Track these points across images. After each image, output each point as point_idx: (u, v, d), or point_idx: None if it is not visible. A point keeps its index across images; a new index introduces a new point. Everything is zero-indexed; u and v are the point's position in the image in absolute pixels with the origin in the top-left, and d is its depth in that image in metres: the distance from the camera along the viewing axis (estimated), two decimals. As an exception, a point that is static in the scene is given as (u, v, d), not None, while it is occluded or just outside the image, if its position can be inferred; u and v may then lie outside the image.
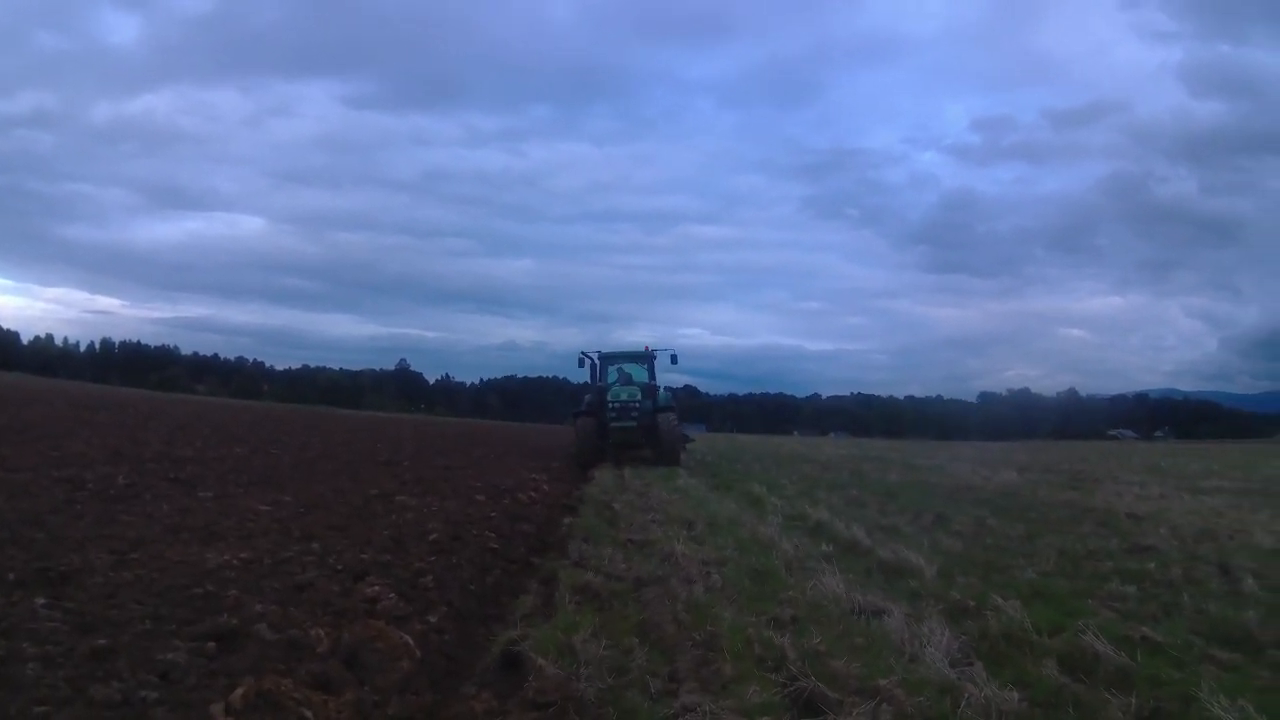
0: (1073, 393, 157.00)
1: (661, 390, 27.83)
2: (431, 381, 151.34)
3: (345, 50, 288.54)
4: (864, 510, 14.78)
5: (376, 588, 6.83)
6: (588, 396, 28.11)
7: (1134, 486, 20.92)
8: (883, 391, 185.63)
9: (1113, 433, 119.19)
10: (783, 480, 21.47)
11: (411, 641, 5.63)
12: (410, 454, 22.58)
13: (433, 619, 6.44)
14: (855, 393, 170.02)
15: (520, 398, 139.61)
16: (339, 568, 7.44)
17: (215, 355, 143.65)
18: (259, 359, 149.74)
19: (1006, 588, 8.09)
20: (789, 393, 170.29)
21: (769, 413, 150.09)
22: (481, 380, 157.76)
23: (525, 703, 4.92)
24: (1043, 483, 22.37)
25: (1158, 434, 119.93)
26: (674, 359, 28.94)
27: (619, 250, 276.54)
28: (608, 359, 28.65)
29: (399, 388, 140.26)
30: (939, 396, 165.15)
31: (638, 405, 25.87)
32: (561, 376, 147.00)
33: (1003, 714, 4.80)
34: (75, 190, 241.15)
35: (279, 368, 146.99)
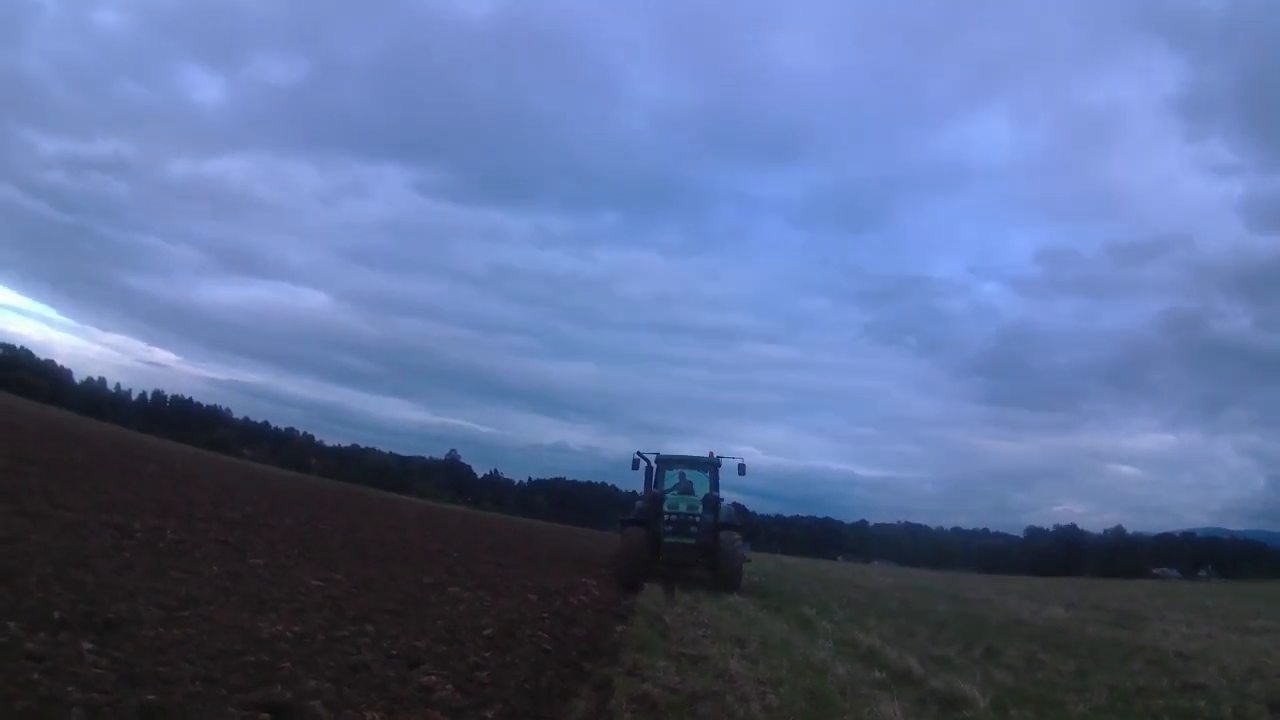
0: (1119, 530, 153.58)
1: (724, 503, 24.04)
2: (480, 475, 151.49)
3: (423, 138, 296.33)
4: (914, 639, 14.69)
5: (433, 677, 6.81)
6: (639, 503, 24.51)
7: (1181, 625, 20.67)
8: (930, 521, 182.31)
9: (1157, 571, 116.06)
10: (832, 605, 21.19)
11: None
12: (460, 546, 22.48)
13: (488, 715, 6.37)
14: (903, 521, 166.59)
15: (568, 500, 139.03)
16: (394, 653, 7.41)
17: (266, 423, 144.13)
18: (309, 432, 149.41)
19: None
20: (836, 517, 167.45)
21: (814, 536, 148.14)
22: (530, 479, 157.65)
23: None
24: (1090, 619, 22.06)
25: (1201, 573, 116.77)
26: (741, 469, 24.73)
27: (679, 363, 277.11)
28: (666, 463, 25.28)
29: (447, 477, 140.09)
30: (985, 529, 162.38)
31: (697, 519, 22.43)
32: (610, 483, 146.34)
33: None
34: (144, 241, 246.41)
35: (329, 443, 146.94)
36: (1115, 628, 19.85)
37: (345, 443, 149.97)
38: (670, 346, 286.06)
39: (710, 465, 24.99)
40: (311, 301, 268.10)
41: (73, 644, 5.36)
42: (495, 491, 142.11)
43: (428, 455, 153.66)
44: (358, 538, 18.33)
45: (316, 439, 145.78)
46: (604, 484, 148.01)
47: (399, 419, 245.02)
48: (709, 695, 8.25)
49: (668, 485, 24.85)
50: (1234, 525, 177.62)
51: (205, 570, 9.39)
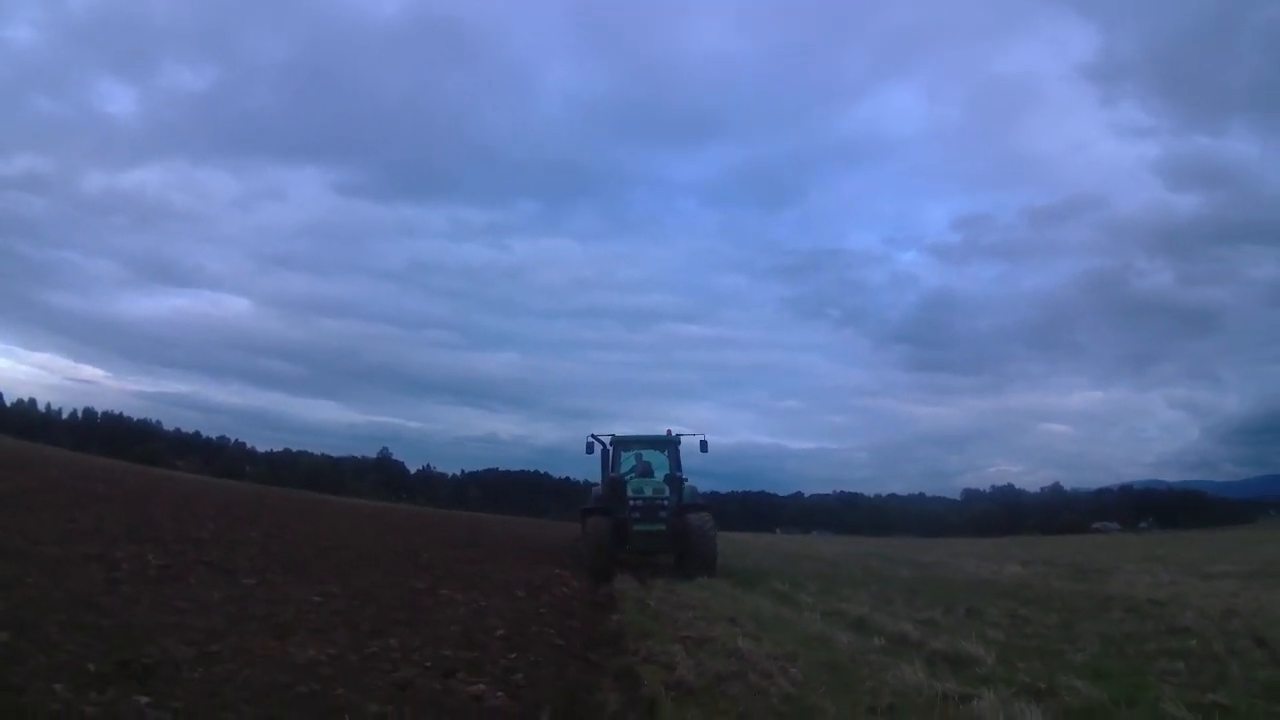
0: (1057, 487, 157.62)
1: (686, 484, 22.52)
2: (413, 471, 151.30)
3: (338, 138, 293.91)
4: (893, 606, 14.86)
5: (481, 686, 6.82)
6: (597, 489, 23.63)
7: (1143, 575, 21.32)
8: (865, 489, 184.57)
9: (1097, 525, 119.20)
10: (800, 578, 21.31)
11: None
12: (424, 546, 22.26)
13: (544, 718, 6.43)
14: (838, 491, 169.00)
15: (501, 490, 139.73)
16: (427, 664, 7.39)
17: (197, 433, 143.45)
18: (240, 439, 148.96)
19: (1066, 670, 8.62)
20: (771, 491, 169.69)
21: (751, 510, 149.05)
22: (463, 472, 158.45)
23: None
24: (1051, 575, 22.60)
25: (1142, 525, 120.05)
26: (704, 446, 23.01)
27: (600, 346, 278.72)
28: (622, 444, 23.55)
29: (380, 475, 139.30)
30: (922, 494, 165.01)
31: (665, 503, 20.64)
32: (543, 471, 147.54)
33: None
34: (63, 257, 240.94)
35: (260, 449, 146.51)
36: (1078, 581, 20.44)
37: (277, 447, 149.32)
38: (591, 331, 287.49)
39: (669, 444, 23.29)
40: (234, 308, 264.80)
41: (125, 699, 5.16)
42: (429, 487, 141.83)
43: (359, 454, 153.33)
44: (325, 546, 18.12)
45: (248, 445, 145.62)
46: (536, 472, 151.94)
47: (328, 420, 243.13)
48: (732, 675, 8.34)
49: (625, 468, 23.15)
50: (1170, 477, 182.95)
51: (206, 597, 9.24)
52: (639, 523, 20.33)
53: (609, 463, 23.11)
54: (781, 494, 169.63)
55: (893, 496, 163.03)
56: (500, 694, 6.65)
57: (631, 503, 20.53)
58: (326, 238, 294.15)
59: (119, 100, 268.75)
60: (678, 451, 23.07)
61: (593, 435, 23.21)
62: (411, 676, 6.79)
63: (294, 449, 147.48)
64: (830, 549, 44.95)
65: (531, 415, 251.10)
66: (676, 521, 20.52)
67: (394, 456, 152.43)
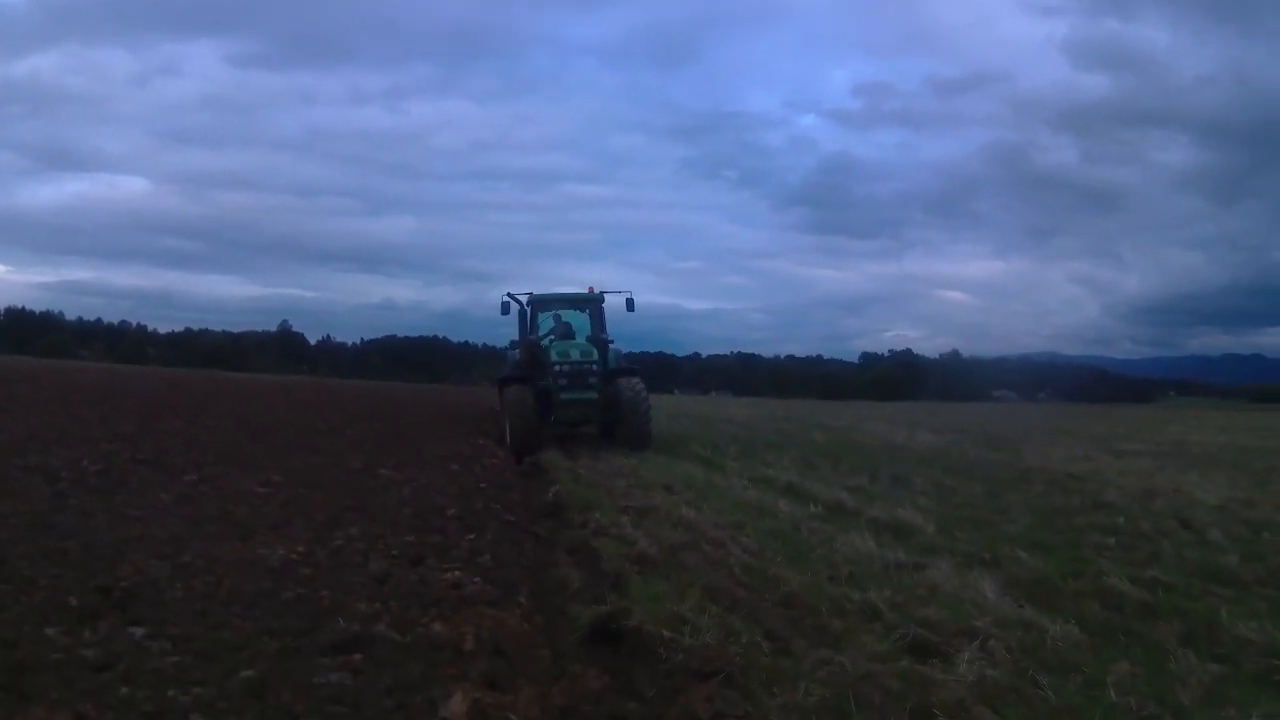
0: (955, 354, 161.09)
1: (614, 346, 20.81)
2: (313, 342, 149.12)
3: (232, 8, 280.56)
4: (819, 472, 15.25)
5: (456, 572, 6.82)
6: (513, 354, 21.39)
7: (1057, 448, 21.99)
8: (762, 350, 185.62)
9: (995, 394, 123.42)
10: (719, 443, 21.53)
11: (529, 627, 5.72)
12: (343, 422, 21.83)
13: (521, 600, 6.46)
14: (735, 352, 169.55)
15: (401, 358, 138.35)
16: (394, 553, 7.35)
17: (99, 320, 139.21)
18: (141, 322, 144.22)
19: (1004, 541, 8.91)
20: (668, 351, 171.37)
21: (648, 370, 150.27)
22: (362, 340, 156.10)
23: (691, 673, 4.95)
24: (964, 443, 23.24)
25: (1040, 396, 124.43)
26: (630, 304, 21.17)
27: (498, 208, 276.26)
28: (541, 304, 21.34)
29: (281, 349, 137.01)
30: (819, 356, 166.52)
31: (594, 368, 18.93)
32: (442, 335, 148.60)
33: (1074, 644, 5.62)
34: None
35: (162, 330, 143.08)
36: (993, 451, 21.10)
37: (178, 328, 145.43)
38: (488, 193, 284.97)
39: (592, 303, 21.20)
40: (132, 188, 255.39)
41: (121, 634, 4.90)
42: (329, 357, 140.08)
43: (260, 328, 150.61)
44: (250, 430, 17.89)
45: (149, 328, 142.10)
46: (435, 337, 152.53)
47: (228, 295, 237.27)
48: (685, 546, 8.46)
49: (543, 330, 21.24)
50: (1069, 350, 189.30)
51: (154, 500, 8.96)
52: (566, 390, 18.62)
53: (526, 325, 20.99)
54: (679, 354, 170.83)
55: (790, 358, 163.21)
56: (477, 580, 6.68)
57: (557, 368, 18.73)
58: (223, 110, 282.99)
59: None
60: (602, 311, 21.12)
61: (508, 295, 20.86)
62: (386, 568, 6.78)
63: (195, 328, 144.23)
64: (739, 412, 44.64)
65: (429, 280, 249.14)
66: (606, 388, 19.01)
67: (294, 328, 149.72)
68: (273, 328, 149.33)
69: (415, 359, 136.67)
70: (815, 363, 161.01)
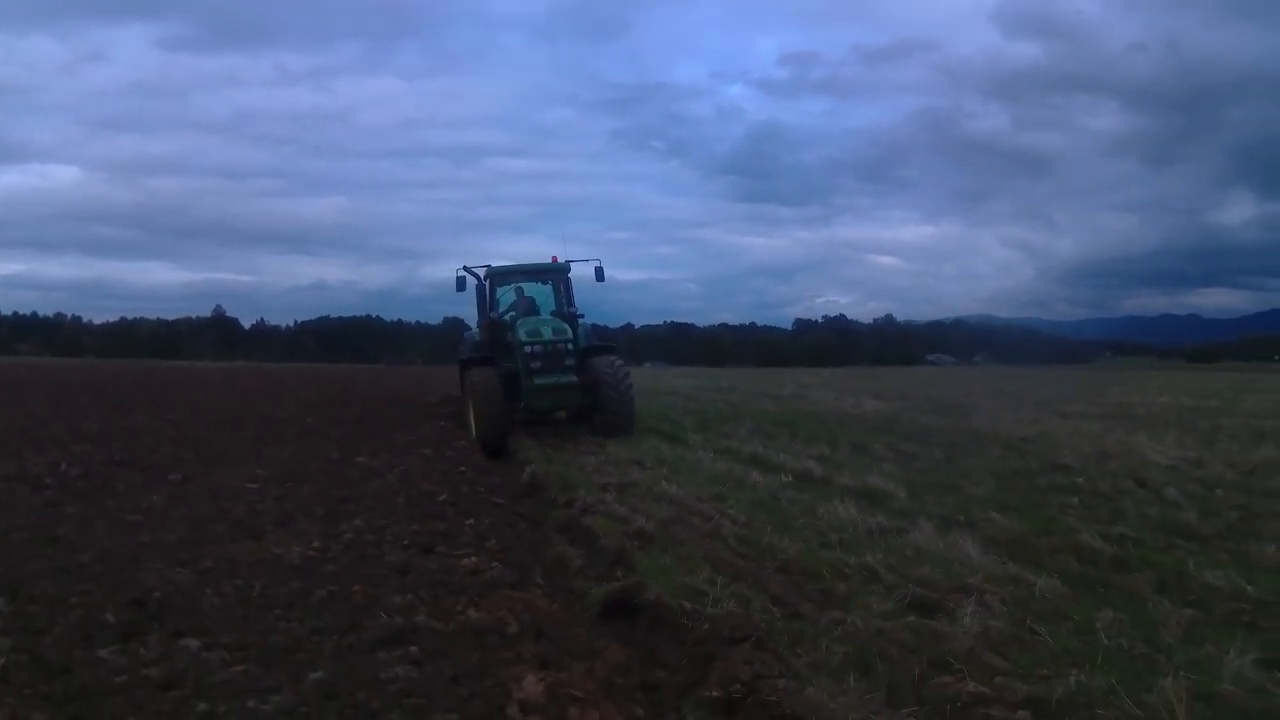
0: (889, 319, 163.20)
1: (583, 320, 18.88)
2: (247, 326, 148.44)
3: None
4: (779, 442, 15.43)
5: (472, 558, 6.97)
6: (471, 334, 20.19)
7: (1004, 412, 22.37)
8: (695, 320, 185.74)
9: (931, 358, 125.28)
10: (672, 414, 21.78)
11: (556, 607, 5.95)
12: (300, 410, 21.84)
13: (539, 582, 6.68)
14: (668, 321, 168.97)
15: (336, 339, 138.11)
16: (405, 543, 7.46)
17: (34, 313, 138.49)
18: (76, 314, 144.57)
19: (973, 505, 9.33)
20: (601, 323, 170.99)
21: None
22: (296, 322, 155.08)
23: (721, 639, 5.14)
24: (912, 409, 23.63)
25: (976, 358, 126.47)
26: (599, 274, 19.57)
27: (427, 185, 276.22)
28: (499, 276, 19.34)
29: (217, 335, 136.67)
30: (753, 324, 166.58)
31: (570, 346, 17.01)
32: (376, 315, 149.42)
33: (1059, 596, 6.08)
34: None
35: (97, 321, 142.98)
36: (941, 416, 21.49)
37: (113, 318, 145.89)
38: (417, 170, 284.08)
39: (557, 274, 19.33)
40: (62, 177, 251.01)
41: (175, 648, 4.87)
42: (264, 341, 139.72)
43: (194, 315, 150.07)
44: (212, 422, 17.78)
45: (84, 319, 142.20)
46: (368, 316, 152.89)
47: (162, 282, 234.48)
48: (674, 520, 8.77)
49: (502, 306, 19.26)
50: (1003, 313, 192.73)
51: (148, 502, 8.95)
52: (540, 374, 16.59)
53: (485, 301, 19.08)
54: (612, 326, 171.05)
55: (724, 326, 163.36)
56: (496, 565, 6.84)
57: (527, 349, 16.62)
58: (152, 95, 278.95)
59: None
60: (568, 282, 19.24)
61: (464, 268, 19.04)
62: (405, 559, 6.91)
63: (130, 317, 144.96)
64: (680, 383, 44.68)
65: (360, 258, 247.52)
66: (582, 370, 17.10)
67: (228, 313, 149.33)
68: (207, 313, 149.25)
69: (349, 340, 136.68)
70: (749, 330, 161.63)
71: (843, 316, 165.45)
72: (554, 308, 18.98)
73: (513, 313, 18.54)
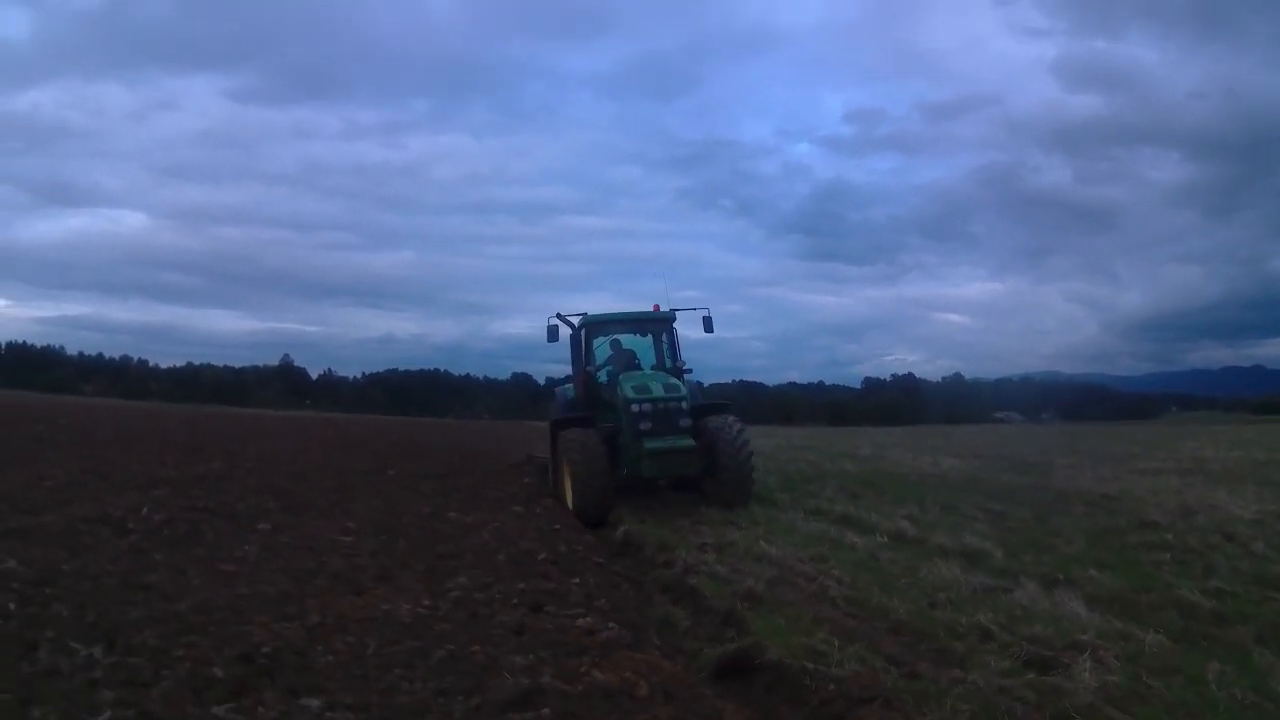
0: (958, 376, 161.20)
1: (690, 375, 16.87)
2: (314, 376, 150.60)
3: (229, 43, 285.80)
4: (866, 501, 15.30)
5: (587, 619, 6.92)
6: (563, 390, 17.86)
7: (1082, 470, 21.97)
8: (764, 379, 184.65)
9: (998, 415, 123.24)
10: (755, 475, 21.64)
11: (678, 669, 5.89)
12: (380, 461, 21.84)
13: (656, 642, 6.65)
14: (736, 380, 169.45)
15: (403, 391, 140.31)
16: (514, 601, 7.39)
17: (100, 354, 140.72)
18: (142, 357, 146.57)
19: (1069, 563, 9.40)
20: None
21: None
22: (363, 374, 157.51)
23: (850, 699, 5.21)
24: (992, 469, 23.21)
25: (1044, 416, 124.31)
26: (708, 324, 17.15)
27: (496, 241, 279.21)
28: (596, 326, 17.12)
29: (284, 384, 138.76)
30: (821, 383, 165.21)
31: (683, 405, 14.78)
32: (443, 369, 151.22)
33: (1166, 650, 6.27)
34: None
35: (163, 365, 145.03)
36: (1021, 475, 21.04)
37: (179, 362, 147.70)
38: (486, 226, 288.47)
39: (660, 324, 17.18)
40: (131, 223, 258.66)
41: (295, 708, 4.78)
42: (331, 391, 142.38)
43: (260, 363, 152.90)
44: (293, 471, 17.61)
45: (150, 363, 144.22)
46: (436, 370, 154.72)
47: (228, 330, 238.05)
48: (778, 580, 8.72)
49: (598, 360, 17.34)
50: (1068, 369, 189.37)
51: (239, 552, 8.80)
52: (650, 437, 14.37)
53: (581, 353, 16.90)
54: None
55: (793, 385, 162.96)
56: (613, 625, 6.79)
57: (635, 408, 14.54)
58: (220, 145, 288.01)
59: (11, 22, 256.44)
60: (673, 333, 17.05)
61: (557, 315, 16.91)
62: (519, 619, 6.82)
63: (196, 362, 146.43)
64: (758, 443, 43.60)
65: (428, 313, 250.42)
66: (695, 432, 14.93)
67: (295, 363, 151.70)
68: (273, 362, 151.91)
69: (416, 393, 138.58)
70: (818, 389, 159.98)
71: (911, 375, 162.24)
72: (653, 362, 17.09)
73: (609, 368, 16.83)
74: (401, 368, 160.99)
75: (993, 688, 5.46)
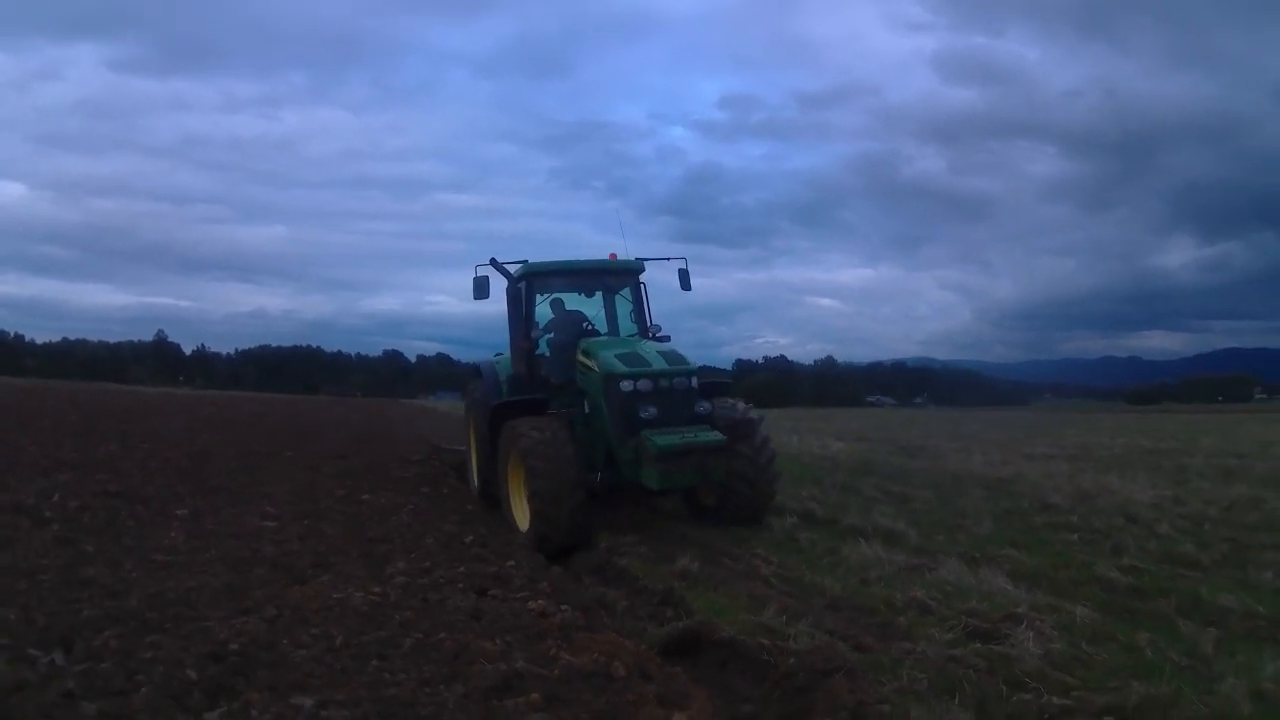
0: (830, 360, 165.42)
1: (669, 343, 11.98)
2: (188, 352, 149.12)
3: (111, 12, 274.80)
4: None
5: (541, 601, 6.97)
6: (498, 358, 13.43)
7: (971, 454, 22.54)
8: None
9: (871, 399, 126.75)
10: None
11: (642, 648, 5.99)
12: (271, 441, 21.49)
13: (608, 622, 6.73)
14: None
15: (275, 368, 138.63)
16: (460, 585, 7.37)
17: None
18: (19, 332, 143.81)
19: (984, 542, 9.78)
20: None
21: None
22: (236, 350, 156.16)
23: (815, 672, 5.26)
24: (881, 452, 23.62)
25: (917, 400, 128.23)
26: (684, 279, 12.77)
27: (368, 217, 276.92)
28: (538, 278, 12.49)
29: (158, 360, 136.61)
30: None
31: (691, 381, 10.62)
32: (315, 345, 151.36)
33: (1097, 621, 6.59)
34: None
35: (39, 340, 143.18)
36: (911, 458, 21.60)
37: (55, 338, 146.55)
38: (359, 201, 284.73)
39: (626, 276, 12.73)
40: (8, 194, 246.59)
41: (289, 709, 4.59)
42: (205, 367, 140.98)
43: (135, 339, 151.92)
44: (193, 453, 17.19)
45: (27, 338, 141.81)
46: (308, 346, 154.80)
47: (103, 304, 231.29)
48: (706, 560, 8.87)
49: (541, 322, 12.67)
50: (942, 355, 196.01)
51: (169, 541, 8.49)
52: (657, 430, 9.91)
53: (521, 311, 12.27)
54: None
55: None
56: (565, 607, 6.82)
57: (629, 386, 10.24)
58: (100, 115, 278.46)
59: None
60: (640, 290, 12.77)
61: (491, 262, 12.23)
62: (473, 603, 6.81)
63: (71, 337, 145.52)
64: None
65: (299, 288, 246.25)
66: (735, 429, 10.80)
67: (169, 339, 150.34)
68: (147, 337, 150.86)
69: (289, 369, 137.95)
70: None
71: (783, 357, 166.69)
72: (606, 329, 12.90)
73: (549, 335, 12.53)
74: (273, 344, 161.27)
75: (943, 657, 5.73)
